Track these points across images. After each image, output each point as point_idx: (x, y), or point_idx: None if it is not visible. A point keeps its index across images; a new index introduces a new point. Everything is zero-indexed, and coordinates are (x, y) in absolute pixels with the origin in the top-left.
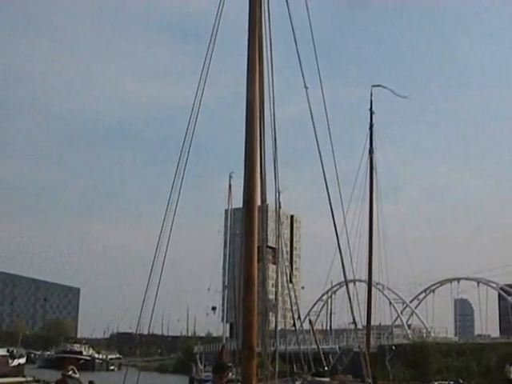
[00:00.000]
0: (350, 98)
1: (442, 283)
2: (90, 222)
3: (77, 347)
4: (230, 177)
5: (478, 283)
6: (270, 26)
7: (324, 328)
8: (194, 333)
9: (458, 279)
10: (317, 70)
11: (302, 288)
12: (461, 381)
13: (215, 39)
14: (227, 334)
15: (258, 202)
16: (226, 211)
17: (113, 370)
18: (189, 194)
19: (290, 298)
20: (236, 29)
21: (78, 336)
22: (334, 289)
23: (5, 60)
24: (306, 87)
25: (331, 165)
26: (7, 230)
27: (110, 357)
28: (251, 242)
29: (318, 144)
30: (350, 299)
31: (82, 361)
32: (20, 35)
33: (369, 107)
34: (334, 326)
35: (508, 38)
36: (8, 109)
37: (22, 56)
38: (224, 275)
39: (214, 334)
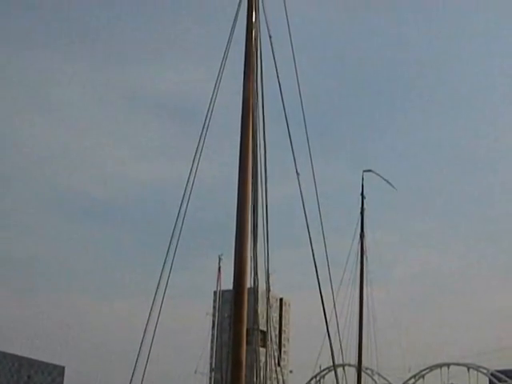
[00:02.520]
0: (342, 180)
1: (431, 368)
2: (77, 298)
3: None
4: (220, 259)
5: (469, 369)
6: (263, 111)
7: None
8: None
9: (448, 364)
10: (308, 153)
11: (291, 372)
12: None
13: (209, 122)
14: None
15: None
16: (215, 293)
17: None
18: (177, 274)
19: (278, 381)
20: (229, 111)
21: None
22: (323, 373)
23: (1, 132)
24: (297, 173)
25: (322, 247)
26: None
27: None
28: (240, 327)
29: (309, 232)
30: None
31: None
32: (18, 109)
33: (360, 191)
34: None
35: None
36: (2, 180)
37: (17, 129)
38: (212, 357)
39: None
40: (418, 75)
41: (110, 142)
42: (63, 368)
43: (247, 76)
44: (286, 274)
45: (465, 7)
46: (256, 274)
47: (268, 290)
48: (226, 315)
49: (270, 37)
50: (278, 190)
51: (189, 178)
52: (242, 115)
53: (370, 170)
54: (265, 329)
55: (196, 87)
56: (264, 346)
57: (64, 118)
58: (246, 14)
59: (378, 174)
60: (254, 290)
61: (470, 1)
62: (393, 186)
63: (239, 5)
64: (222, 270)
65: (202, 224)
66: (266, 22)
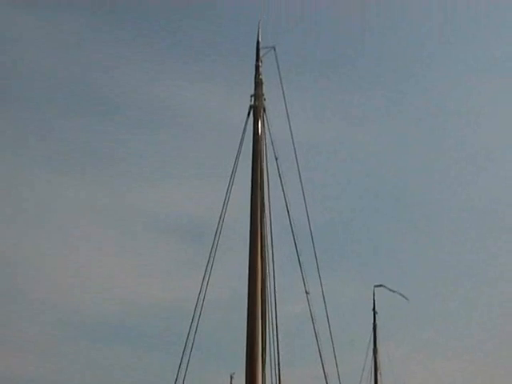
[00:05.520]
0: (352, 294)
1: None
2: None
3: None
4: (231, 377)
5: None
6: (271, 230)
7: None
8: None
9: None
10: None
11: None
12: None
13: (218, 240)
14: None
15: None
16: None
17: None
18: None
19: None
20: (238, 227)
21: None
22: None
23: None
24: (306, 293)
25: (333, 364)
26: None
27: None
28: None
29: (320, 355)
30: None
31: None
32: (21, 227)
33: (371, 306)
34: None
35: None
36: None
37: (20, 248)
38: None
39: None
40: (424, 186)
41: (116, 261)
42: None
43: (254, 197)
44: None
45: None
46: None
47: None
48: None
49: (276, 158)
50: (288, 307)
51: (199, 296)
52: (250, 236)
53: (381, 285)
54: None
55: (203, 205)
56: None
57: (68, 237)
58: (252, 135)
59: (389, 289)
60: None
61: None
62: (405, 298)
63: (245, 124)
64: None
65: (212, 341)
66: (272, 145)
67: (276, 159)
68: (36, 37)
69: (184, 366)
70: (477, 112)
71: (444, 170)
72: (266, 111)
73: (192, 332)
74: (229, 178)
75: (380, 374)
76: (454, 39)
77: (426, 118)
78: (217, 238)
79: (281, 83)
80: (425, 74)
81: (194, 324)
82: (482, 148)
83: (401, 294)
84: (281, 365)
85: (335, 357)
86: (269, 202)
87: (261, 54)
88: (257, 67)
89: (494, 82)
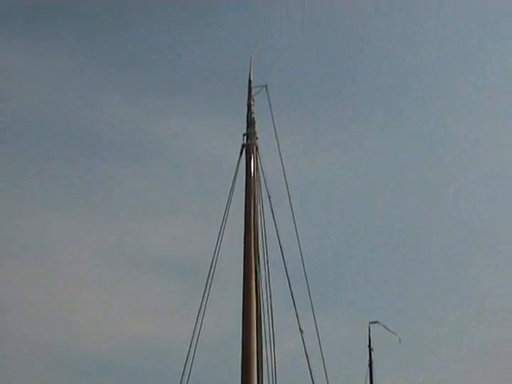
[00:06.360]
0: (347, 331)
1: None
2: None
3: None
4: None
5: None
6: (267, 268)
7: None
8: None
9: None
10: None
11: None
12: None
13: (212, 280)
14: None
15: None
16: None
17: None
18: None
19: None
20: (232, 265)
21: None
22: None
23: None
24: (301, 331)
25: None
26: None
27: None
28: None
29: None
30: None
31: None
32: (15, 267)
33: (367, 343)
34: None
35: None
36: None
37: (15, 287)
38: None
39: None
40: (423, 209)
41: (109, 298)
42: None
43: (248, 236)
44: None
45: None
46: None
47: None
48: None
49: (270, 197)
50: (282, 345)
51: (193, 336)
52: (244, 274)
53: (376, 322)
54: None
55: (197, 243)
56: None
57: (60, 274)
58: (244, 173)
59: (384, 326)
60: None
61: None
62: (399, 339)
63: (238, 163)
64: None
65: (207, 379)
66: (265, 183)
67: (269, 198)
68: (33, 69)
69: None
70: (476, 127)
71: (443, 187)
72: (259, 150)
73: (186, 371)
74: (222, 217)
75: None
76: (453, 54)
77: (425, 134)
78: (211, 277)
79: (273, 122)
80: (424, 89)
81: (189, 363)
82: (481, 164)
83: (394, 333)
84: None
85: None
86: (263, 241)
87: (252, 92)
88: (249, 106)
89: (495, 98)
